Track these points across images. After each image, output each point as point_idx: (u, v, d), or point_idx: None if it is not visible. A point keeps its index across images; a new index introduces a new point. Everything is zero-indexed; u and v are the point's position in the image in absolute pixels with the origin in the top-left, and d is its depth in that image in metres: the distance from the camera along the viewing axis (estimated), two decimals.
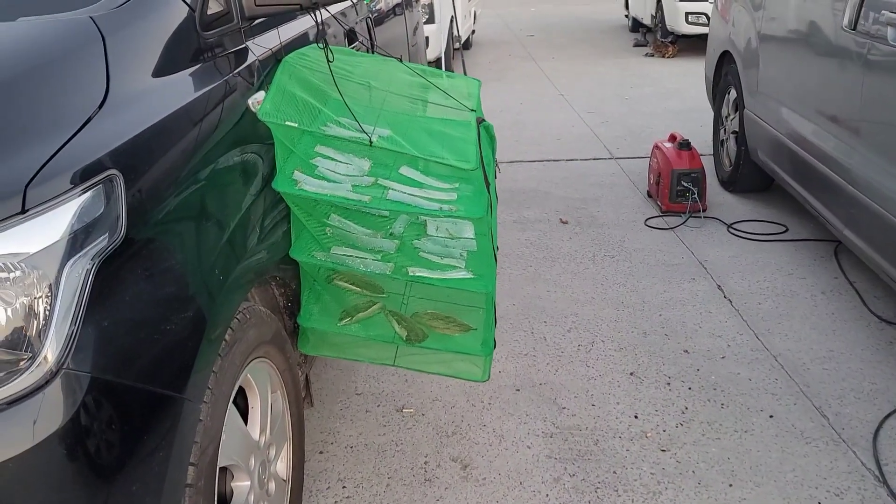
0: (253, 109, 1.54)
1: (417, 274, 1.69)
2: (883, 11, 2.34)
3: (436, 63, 7.25)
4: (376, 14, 3.08)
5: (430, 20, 6.93)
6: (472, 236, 1.78)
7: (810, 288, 2.99)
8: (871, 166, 2.40)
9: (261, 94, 1.58)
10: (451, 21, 7.70)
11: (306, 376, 1.87)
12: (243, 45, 1.63)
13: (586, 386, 2.40)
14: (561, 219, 3.84)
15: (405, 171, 1.73)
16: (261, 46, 1.70)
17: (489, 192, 1.71)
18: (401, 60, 2.00)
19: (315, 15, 1.68)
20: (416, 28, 4.15)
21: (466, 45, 9.99)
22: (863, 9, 2.49)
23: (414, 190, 1.70)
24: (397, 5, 3.60)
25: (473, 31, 10.85)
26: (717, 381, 2.40)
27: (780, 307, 2.85)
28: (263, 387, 1.56)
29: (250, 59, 1.63)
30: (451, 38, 7.80)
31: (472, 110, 1.80)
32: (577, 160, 4.91)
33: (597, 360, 2.56)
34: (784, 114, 3.20)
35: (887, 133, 2.32)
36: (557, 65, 8.88)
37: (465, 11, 9.20)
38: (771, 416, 2.22)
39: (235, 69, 1.55)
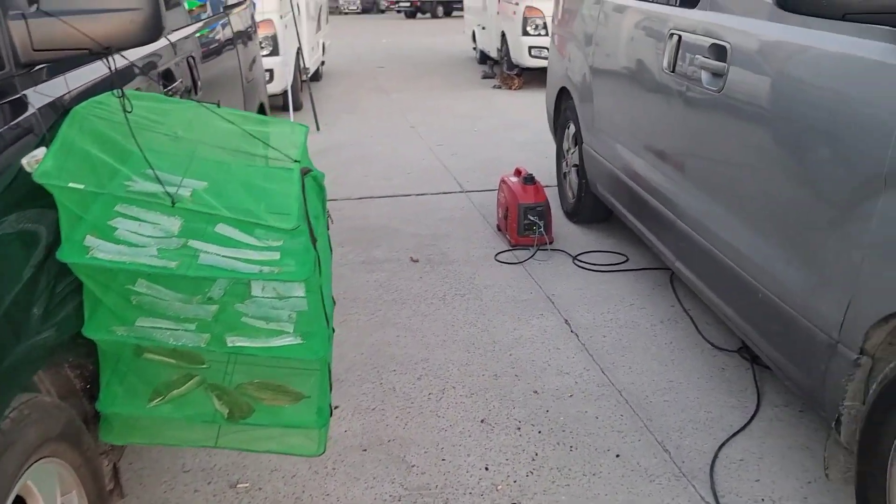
0: (28, 170, 1.33)
1: (237, 344, 1.53)
2: (697, 56, 2.46)
3: (282, 96, 7.04)
4: (202, 50, 2.89)
5: (274, 52, 6.72)
6: (303, 294, 1.65)
7: (650, 317, 3.08)
8: (696, 201, 2.51)
9: (40, 152, 1.37)
10: (298, 53, 7.52)
11: (114, 465, 1.64)
12: (19, 96, 1.42)
13: (437, 438, 2.31)
14: (411, 257, 3.77)
15: (221, 229, 1.57)
16: (43, 95, 1.49)
17: (316, 250, 1.59)
18: (219, 105, 1.85)
19: (109, 61, 1.50)
20: (252, 62, 3.96)
21: (316, 76, 9.84)
22: (679, 52, 2.62)
23: (231, 251, 1.54)
24: (228, 39, 3.41)
25: (323, 63, 10.71)
26: (565, 422, 2.39)
27: (622, 339, 2.91)
28: (50, 492, 1.34)
29: (29, 111, 1.42)
30: (299, 70, 7.62)
31: (297, 161, 1.67)
32: (427, 194, 4.88)
33: (448, 408, 2.48)
34: (618, 149, 3.32)
35: (708, 170, 2.44)
36: (408, 97, 8.93)
37: (313, 43, 9.06)
38: (618, 456, 2.22)
39: (7, 124, 1.34)
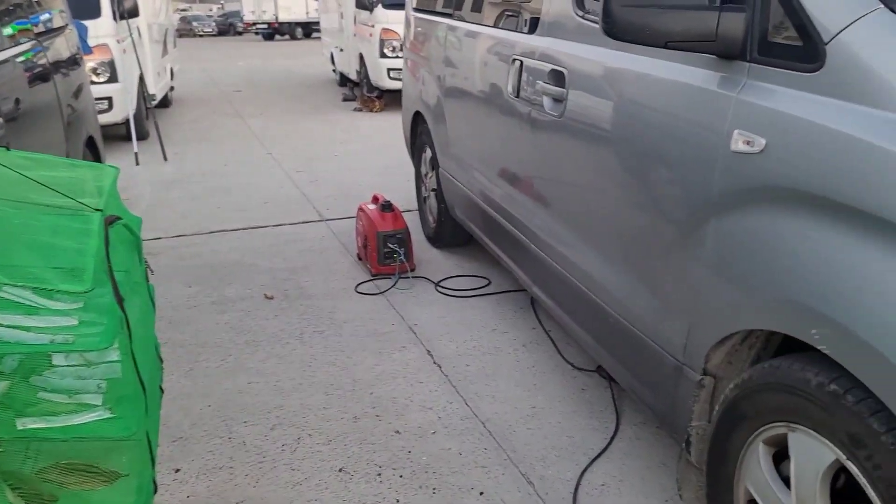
0: None
1: (29, 427, 1.32)
2: (538, 82, 2.46)
3: (125, 125, 6.59)
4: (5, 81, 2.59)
5: (112, 79, 6.28)
6: (118, 358, 1.45)
7: (512, 342, 3.06)
8: (547, 226, 2.50)
9: None
10: (140, 79, 7.08)
11: None
12: None
13: (291, 495, 2.15)
14: (266, 294, 3.57)
15: (10, 292, 1.35)
16: None
17: (124, 309, 1.40)
18: (8, 149, 1.62)
19: None
20: (78, 91, 3.63)
21: (164, 103, 9.34)
22: (522, 77, 2.62)
23: (19, 318, 1.33)
24: (40, 69, 3.08)
25: (172, 88, 10.20)
26: (428, 462, 2.29)
27: (486, 367, 2.86)
28: None
29: None
30: (143, 97, 7.17)
31: (99, 209, 1.48)
32: (285, 225, 4.68)
33: (303, 459, 2.32)
34: (472, 174, 3.29)
35: (555, 194, 2.44)
36: (266, 122, 8.65)
37: (159, 67, 8.59)
38: (481, 493, 2.15)
39: None
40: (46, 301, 1.34)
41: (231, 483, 2.20)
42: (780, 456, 1.52)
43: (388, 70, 9.15)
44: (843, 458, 1.30)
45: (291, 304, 3.46)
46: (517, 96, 2.67)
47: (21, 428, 1.31)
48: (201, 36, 34.14)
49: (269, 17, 27.87)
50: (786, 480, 1.48)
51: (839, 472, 1.35)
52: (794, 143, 1.38)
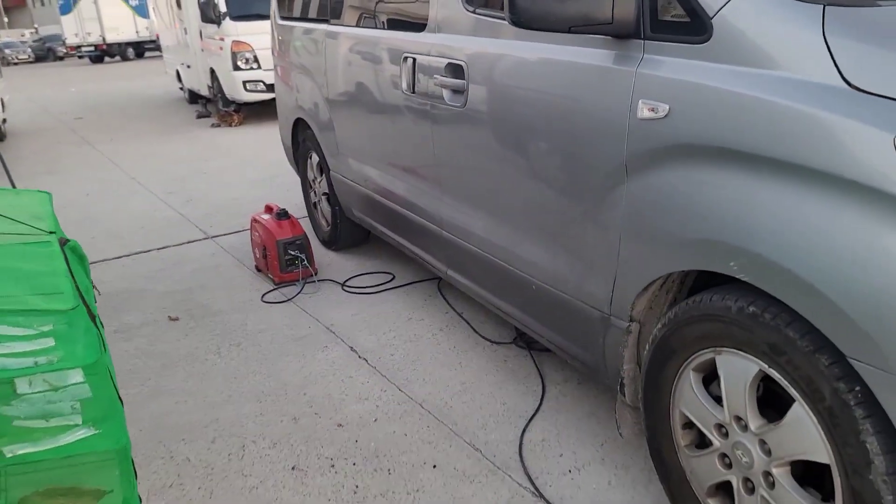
0: None
1: (20, 453, 1.29)
2: (435, 76, 2.60)
3: None
4: None
5: None
6: (82, 379, 1.44)
7: (429, 328, 3.19)
8: (459, 211, 2.65)
9: None
10: None
11: None
12: None
13: (250, 499, 2.16)
14: (169, 316, 3.47)
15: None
16: None
17: (97, 326, 1.40)
18: None
19: None
20: None
21: None
22: (416, 74, 2.75)
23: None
24: None
25: (4, 121, 9.44)
26: (377, 447, 2.37)
27: (410, 354, 2.97)
28: None
29: None
30: None
31: (51, 232, 1.45)
32: (169, 247, 4.54)
33: (253, 465, 2.32)
34: (370, 172, 3.38)
35: (466, 180, 2.59)
36: (120, 146, 8.23)
37: None
38: (434, 466, 2.26)
39: None
40: (18, 328, 1.32)
41: (185, 498, 2.18)
42: (708, 379, 1.76)
43: (245, 83, 8.98)
44: (765, 367, 1.54)
45: (199, 323, 3.40)
46: (413, 92, 2.79)
47: (10, 455, 1.28)
48: (16, 63, 31.50)
49: (95, 38, 26.18)
50: (716, 399, 1.71)
51: (761, 381, 1.59)
52: (694, 105, 1.60)
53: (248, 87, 8.99)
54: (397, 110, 2.97)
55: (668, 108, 1.66)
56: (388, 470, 2.26)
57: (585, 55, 1.91)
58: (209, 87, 10.00)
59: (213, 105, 9.94)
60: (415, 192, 2.96)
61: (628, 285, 1.88)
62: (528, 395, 2.61)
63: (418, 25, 2.78)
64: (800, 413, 1.48)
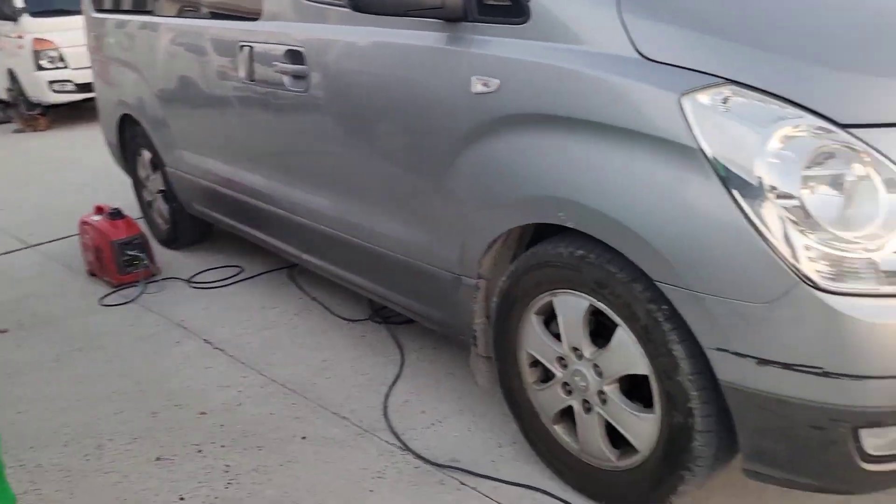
0: None
1: None
2: (274, 63, 2.66)
3: None
4: None
5: None
6: None
7: (284, 314, 3.24)
8: (310, 195, 2.73)
9: None
10: None
11: None
12: None
13: (116, 493, 2.13)
14: None
15: None
16: None
17: None
18: None
19: None
20: None
21: None
22: (254, 62, 2.79)
23: None
24: None
25: None
26: (245, 429, 2.41)
27: (267, 340, 3.01)
28: None
29: None
30: None
31: None
32: None
33: (113, 461, 2.28)
34: (212, 164, 3.35)
35: (314, 163, 2.67)
36: None
37: None
38: (304, 438, 2.35)
39: None
40: None
41: (44, 502, 2.10)
42: (548, 321, 1.99)
43: (51, 83, 8.34)
44: (594, 301, 1.79)
45: (31, 332, 3.21)
46: (252, 81, 2.83)
47: None
48: None
49: None
50: (556, 336, 1.95)
51: (591, 314, 1.84)
52: (519, 78, 1.82)
53: (54, 88, 8.36)
54: (237, 100, 2.98)
55: (498, 82, 1.86)
56: (258, 447, 2.31)
57: (421, 38, 2.08)
58: (9, 90, 9.16)
59: (14, 109, 9.11)
60: (262, 179, 3.00)
61: (474, 246, 2.08)
62: (388, 365, 2.75)
63: (252, 13, 2.81)
64: (622, 336, 1.74)
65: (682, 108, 1.52)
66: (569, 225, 1.77)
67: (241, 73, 2.87)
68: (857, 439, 1.45)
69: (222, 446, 2.33)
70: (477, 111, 1.94)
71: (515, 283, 1.99)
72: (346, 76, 2.40)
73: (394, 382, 2.62)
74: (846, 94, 1.50)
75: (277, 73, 2.66)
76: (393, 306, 2.60)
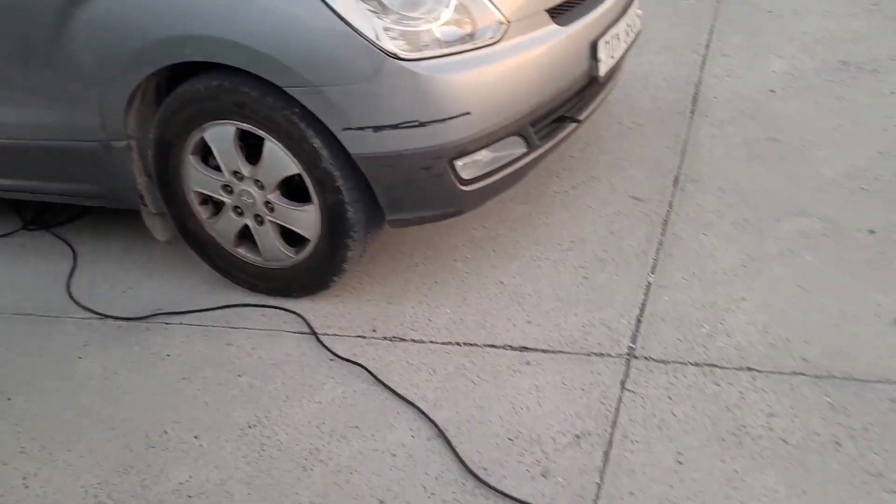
0: None
1: None
2: None
3: None
4: None
5: None
6: None
7: None
8: None
9: None
10: None
11: None
12: None
13: None
14: None
15: None
16: None
17: None
18: None
19: None
20: None
21: None
22: None
23: None
24: None
25: None
26: None
27: None
28: None
29: None
30: None
31: None
32: None
33: None
34: None
35: None
36: None
37: None
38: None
39: None
40: None
41: None
42: (204, 158, 2.18)
43: None
44: (239, 123, 2.02)
45: None
46: None
47: None
48: None
49: None
50: (215, 169, 2.16)
51: (241, 139, 2.08)
52: None
53: None
54: None
55: None
56: None
57: None
58: None
59: None
60: None
61: (112, 106, 2.15)
62: (61, 262, 2.68)
63: None
64: (270, 146, 2.03)
65: None
66: (197, 59, 1.96)
67: None
68: (453, 169, 1.95)
69: None
70: None
71: (165, 129, 2.13)
72: None
73: (72, 272, 2.62)
74: None
75: None
76: (50, 198, 2.55)
